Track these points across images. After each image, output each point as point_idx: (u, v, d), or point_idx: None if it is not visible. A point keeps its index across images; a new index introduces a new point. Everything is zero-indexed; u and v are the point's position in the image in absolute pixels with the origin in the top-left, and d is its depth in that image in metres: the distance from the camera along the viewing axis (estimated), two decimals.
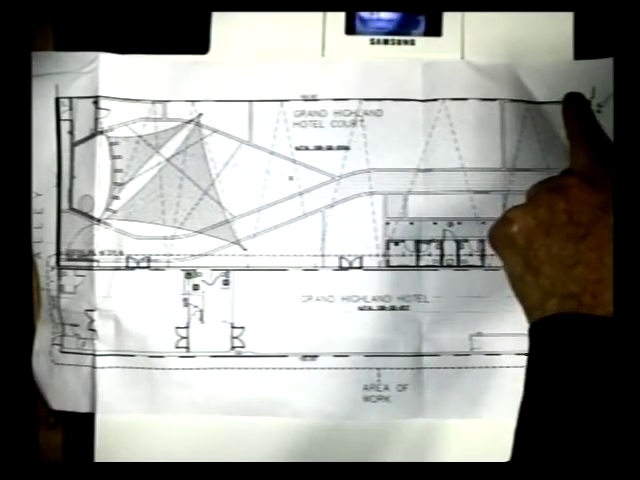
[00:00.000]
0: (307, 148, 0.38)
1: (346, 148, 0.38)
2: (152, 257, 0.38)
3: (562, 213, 0.31)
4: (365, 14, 0.38)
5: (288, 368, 0.37)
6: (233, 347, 0.37)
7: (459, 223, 0.37)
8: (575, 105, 0.35)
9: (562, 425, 0.28)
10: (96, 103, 0.38)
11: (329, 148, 0.38)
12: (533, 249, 0.31)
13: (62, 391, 0.38)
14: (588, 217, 0.30)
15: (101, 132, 0.38)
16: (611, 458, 0.26)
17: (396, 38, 0.38)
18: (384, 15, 0.38)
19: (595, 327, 0.29)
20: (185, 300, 0.37)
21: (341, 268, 0.37)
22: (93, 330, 0.37)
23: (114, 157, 0.38)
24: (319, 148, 0.38)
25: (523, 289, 0.32)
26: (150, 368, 0.37)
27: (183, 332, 0.37)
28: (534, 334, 0.31)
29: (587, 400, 0.28)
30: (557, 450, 0.28)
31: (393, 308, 0.37)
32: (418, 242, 0.37)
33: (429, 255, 0.37)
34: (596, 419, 0.28)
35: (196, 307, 0.37)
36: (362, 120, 0.38)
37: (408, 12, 0.38)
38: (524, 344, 0.37)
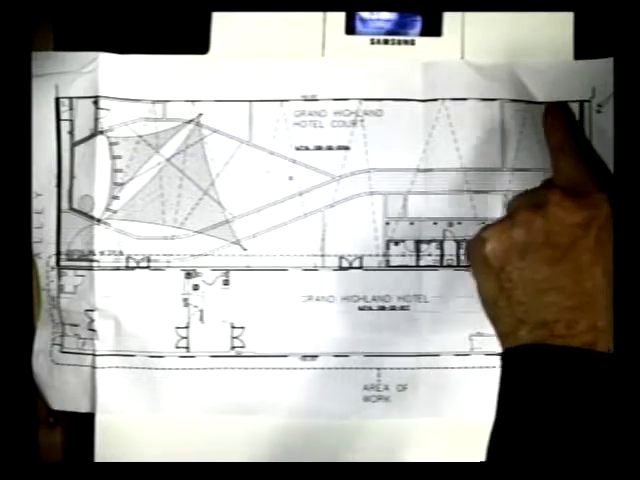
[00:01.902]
0: (307, 148, 0.38)
1: (346, 148, 0.38)
2: (152, 257, 0.38)
3: (539, 233, 0.29)
4: (365, 14, 0.38)
5: (288, 368, 0.37)
6: (233, 347, 0.37)
7: (459, 223, 0.37)
8: (559, 114, 0.34)
9: (527, 461, 0.27)
10: (96, 103, 0.38)
11: (329, 148, 0.38)
12: (506, 272, 0.29)
13: (62, 391, 0.38)
14: (567, 238, 0.29)
15: (101, 132, 0.38)
16: None
17: (396, 38, 0.38)
18: (384, 15, 0.38)
19: (565, 360, 0.27)
20: (185, 300, 0.37)
21: (341, 268, 0.37)
22: (93, 330, 0.37)
23: (114, 157, 0.38)
24: (319, 148, 0.38)
25: (495, 313, 0.30)
26: (150, 368, 0.37)
27: (183, 332, 0.37)
28: (505, 362, 0.30)
29: (553, 434, 0.27)
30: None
31: (393, 308, 0.37)
32: (418, 242, 0.37)
33: (429, 255, 0.37)
34: (561, 454, 0.26)
35: (196, 307, 0.37)
36: (362, 120, 0.38)
37: (408, 12, 0.38)
38: None
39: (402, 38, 0.38)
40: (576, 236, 0.29)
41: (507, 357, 0.30)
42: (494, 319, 0.31)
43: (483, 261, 0.30)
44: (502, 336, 0.30)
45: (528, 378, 0.28)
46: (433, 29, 0.38)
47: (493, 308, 0.30)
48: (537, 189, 0.32)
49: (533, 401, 0.28)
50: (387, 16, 0.38)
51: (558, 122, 0.34)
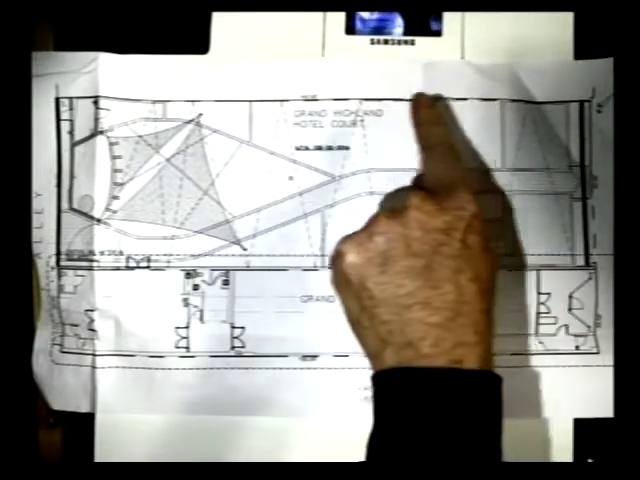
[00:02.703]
0: (307, 148, 0.38)
1: (346, 148, 0.38)
2: (152, 257, 0.38)
3: (399, 242, 0.27)
4: (365, 14, 0.38)
5: (288, 368, 0.37)
6: (233, 347, 0.37)
7: None
8: (426, 109, 0.33)
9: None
10: (96, 103, 0.38)
11: (329, 148, 0.38)
12: (367, 288, 0.27)
13: (62, 391, 0.38)
14: (429, 245, 0.27)
15: (101, 132, 0.38)
16: None
17: (396, 38, 0.38)
18: (384, 15, 0.38)
19: (429, 383, 0.26)
20: (185, 300, 0.37)
21: None
22: (93, 330, 0.37)
23: (114, 157, 0.38)
24: (319, 148, 0.38)
25: (360, 334, 0.29)
26: (150, 368, 0.37)
27: (183, 332, 0.37)
28: (375, 384, 0.28)
29: (421, 458, 0.25)
30: None
31: None
32: None
33: None
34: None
35: (196, 307, 0.37)
36: (362, 120, 0.38)
37: (408, 12, 0.38)
38: (524, 344, 0.37)
39: (402, 38, 0.38)
40: (439, 242, 0.27)
41: (375, 381, 0.28)
42: (360, 340, 0.29)
43: (342, 277, 0.28)
44: (370, 357, 0.29)
45: (395, 403, 0.26)
46: (433, 29, 0.38)
47: (357, 328, 0.29)
48: (399, 191, 0.30)
49: (402, 427, 0.26)
50: (388, 16, 0.38)
51: (424, 118, 0.32)
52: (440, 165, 0.30)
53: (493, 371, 0.28)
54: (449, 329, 0.26)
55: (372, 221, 0.28)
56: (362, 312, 0.28)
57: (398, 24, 0.38)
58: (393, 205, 0.29)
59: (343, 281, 0.28)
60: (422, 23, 0.38)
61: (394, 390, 0.27)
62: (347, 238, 0.29)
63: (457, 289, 0.27)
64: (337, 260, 0.28)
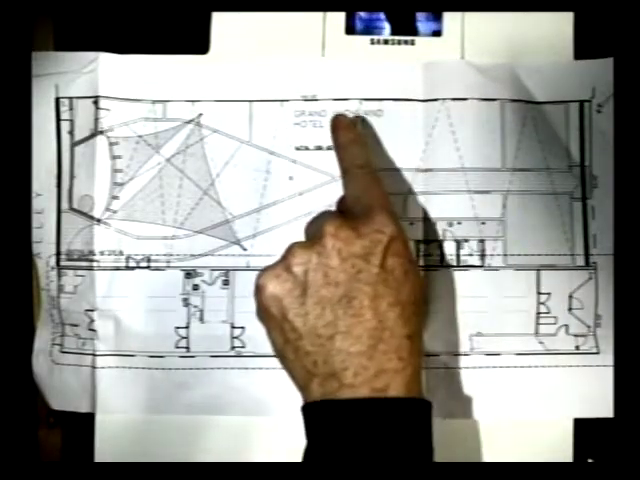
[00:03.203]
0: (307, 148, 0.38)
1: None
2: (152, 257, 0.38)
3: (316, 271, 0.27)
4: (365, 14, 0.38)
5: None
6: (233, 347, 0.37)
7: (459, 223, 0.37)
8: (343, 130, 0.32)
9: None
10: (96, 103, 0.38)
11: (329, 148, 0.38)
12: (288, 321, 0.27)
13: (62, 391, 0.38)
14: (347, 273, 0.26)
15: (101, 132, 0.38)
16: None
17: (396, 38, 0.38)
18: (384, 15, 0.38)
19: (352, 415, 0.26)
20: (185, 300, 0.37)
21: None
22: (93, 330, 0.37)
23: (114, 157, 0.38)
24: (319, 148, 0.38)
25: (287, 367, 0.28)
26: (150, 368, 0.37)
27: (183, 332, 0.37)
28: (304, 417, 0.28)
29: None
30: None
31: None
32: (418, 242, 0.37)
33: (429, 255, 0.37)
34: None
35: (196, 307, 0.37)
36: (362, 120, 0.38)
37: (408, 12, 0.38)
38: (524, 344, 0.37)
39: (402, 38, 0.38)
40: (357, 269, 0.26)
41: (304, 413, 0.28)
42: (288, 372, 0.29)
43: (264, 310, 0.28)
44: (298, 388, 0.28)
45: (322, 436, 0.26)
46: (433, 29, 0.38)
47: (283, 361, 0.28)
48: (318, 217, 0.29)
49: (331, 460, 0.26)
50: (388, 16, 0.38)
51: (342, 139, 0.32)
52: (358, 187, 0.30)
53: (421, 396, 0.28)
54: (371, 357, 0.26)
55: (289, 252, 0.28)
56: (286, 344, 0.28)
57: (396, 25, 0.38)
58: (309, 233, 0.29)
59: (265, 314, 0.28)
60: (422, 23, 0.38)
61: (321, 422, 0.27)
62: (265, 270, 0.28)
63: (377, 315, 0.26)
64: (258, 293, 0.28)
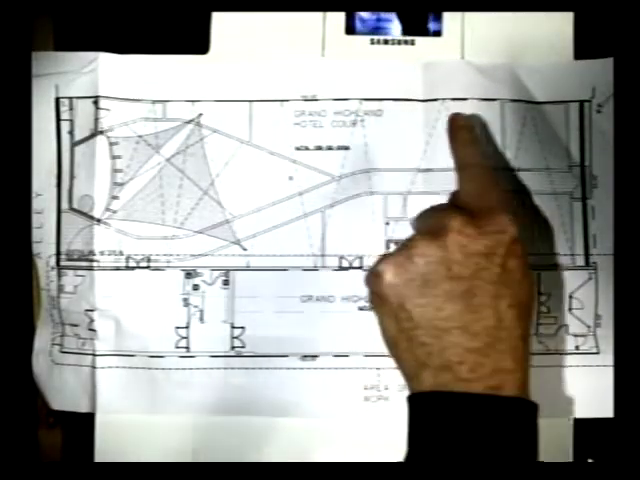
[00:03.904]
0: (307, 148, 0.38)
1: (346, 148, 0.38)
2: (152, 257, 0.38)
3: (439, 265, 0.27)
4: (365, 14, 0.38)
5: (288, 368, 0.37)
6: (233, 347, 0.37)
7: None
8: (462, 128, 0.33)
9: None
10: (96, 103, 0.38)
11: (329, 148, 0.38)
12: (406, 310, 0.27)
13: (62, 391, 0.38)
14: (470, 269, 0.26)
15: (101, 132, 0.38)
16: None
17: (396, 38, 0.38)
18: (384, 15, 0.38)
19: (466, 408, 0.26)
20: (185, 300, 0.37)
21: (341, 268, 0.37)
22: (93, 330, 0.37)
23: (114, 157, 0.38)
24: (319, 148, 0.38)
25: (398, 355, 0.28)
26: (150, 368, 0.37)
27: (183, 332, 0.37)
28: (410, 407, 0.28)
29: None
30: None
31: None
32: None
33: None
34: None
35: (196, 307, 0.37)
36: (362, 120, 0.38)
37: (408, 12, 0.38)
38: None
39: (402, 38, 0.38)
40: (479, 267, 0.27)
41: (412, 402, 0.28)
42: (397, 361, 0.29)
43: (380, 297, 0.28)
44: (406, 378, 0.28)
45: (431, 427, 0.27)
46: (433, 29, 0.38)
47: (394, 349, 0.28)
48: (437, 211, 0.29)
49: (438, 450, 0.26)
50: (388, 16, 0.38)
51: (461, 136, 0.32)
52: (477, 185, 0.30)
53: (529, 398, 0.28)
54: (487, 355, 0.26)
55: (411, 243, 0.28)
56: (400, 333, 0.28)
57: (397, 25, 0.38)
58: (430, 226, 0.28)
59: (380, 301, 0.28)
60: (422, 23, 0.38)
61: (431, 413, 0.27)
62: (385, 258, 0.28)
63: (496, 315, 0.27)
64: (374, 280, 0.28)
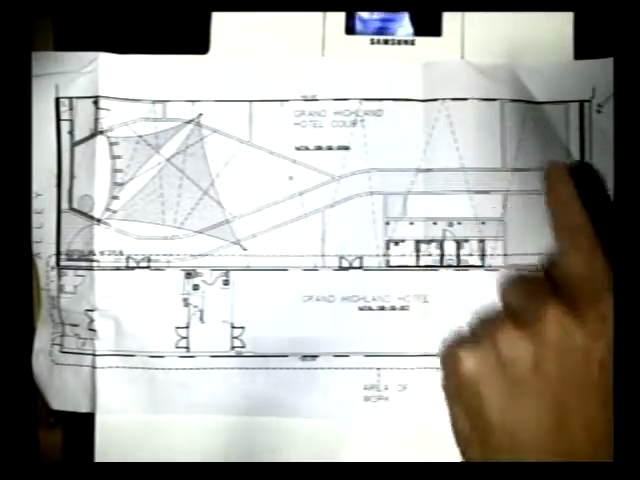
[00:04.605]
0: (307, 148, 0.38)
1: (346, 148, 0.38)
2: (152, 257, 0.38)
3: (527, 360, 0.23)
4: (365, 14, 0.38)
5: (288, 368, 0.37)
6: (233, 347, 0.37)
7: (459, 223, 0.37)
8: (565, 181, 0.26)
9: None
10: (96, 103, 0.38)
11: (329, 148, 0.38)
12: (483, 408, 0.24)
13: (62, 391, 0.38)
14: (562, 369, 0.23)
15: (101, 132, 0.38)
16: None
17: (396, 38, 0.38)
18: (384, 15, 0.38)
19: None
20: (185, 300, 0.37)
21: (341, 268, 0.37)
22: (93, 330, 0.37)
23: (114, 157, 0.38)
24: (319, 148, 0.38)
25: (465, 451, 0.25)
26: (150, 368, 0.37)
27: (183, 332, 0.37)
28: None
29: None
30: None
31: (393, 308, 0.37)
32: (418, 242, 0.37)
33: (429, 255, 0.37)
34: None
35: (196, 307, 0.37)
36: (362, 120, 0.38)
37: (408, 12, 0.38)
38: None
39: (402, 38, 0.38)
40: (574, 363, 0.23)
41: None
42: (463, 452, 0.25)
43: (454, 384, 0.25)
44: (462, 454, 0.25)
45: None
46: (433, 29, 0.38)
47: (464, 444, 0.25)
48: (533, 291, 0.24)
49: None
50: (388, 16, 0.38)
51: (561, 194, 0.26)
52: (583, 261, 0.24)
53: None
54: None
55: (497, 328, 0.24)
56: (472, 432, 0.25)
57: (400, 26, 0.38)
58: (523, 309, 0.24)
59: (454, 388, 0.25)
60: (422, 23, 0.38)
61: None
62: (464, 342, 0.25)
63: (589, 436, 0.24)
64: (450, 364, 0.25)
